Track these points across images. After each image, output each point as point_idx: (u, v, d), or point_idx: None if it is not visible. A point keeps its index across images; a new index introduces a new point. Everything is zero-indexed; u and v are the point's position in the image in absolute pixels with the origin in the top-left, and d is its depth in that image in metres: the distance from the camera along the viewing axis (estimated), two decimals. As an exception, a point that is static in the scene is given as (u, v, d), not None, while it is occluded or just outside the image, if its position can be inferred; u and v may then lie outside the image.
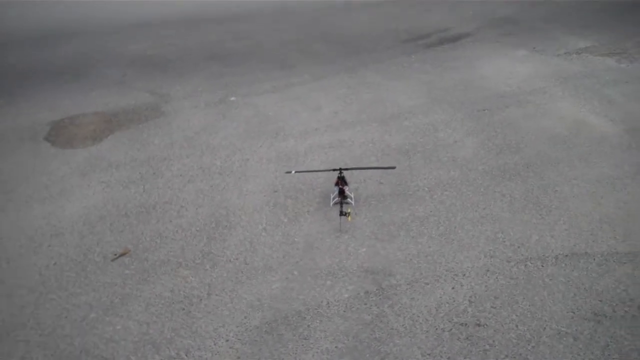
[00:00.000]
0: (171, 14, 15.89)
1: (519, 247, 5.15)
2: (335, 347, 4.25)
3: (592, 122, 7.40)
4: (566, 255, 4.99)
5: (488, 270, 4.89)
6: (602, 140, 6.93)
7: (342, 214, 5.53)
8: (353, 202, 5.88)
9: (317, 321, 4.49)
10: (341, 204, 5.67)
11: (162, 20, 15.27)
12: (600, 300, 4.49)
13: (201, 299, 4.81)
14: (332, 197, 5.96)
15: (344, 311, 4.57)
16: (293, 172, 6.26)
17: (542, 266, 4.89)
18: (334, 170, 5.86)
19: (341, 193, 5.76)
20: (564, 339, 4.16)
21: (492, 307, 4.50)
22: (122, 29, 14.58)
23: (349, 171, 6.14)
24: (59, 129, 8.39)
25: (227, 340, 4.38)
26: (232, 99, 9.21)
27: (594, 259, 4.92)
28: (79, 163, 7.30)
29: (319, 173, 6.39)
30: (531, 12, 13.43)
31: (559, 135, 7.13)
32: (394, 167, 6.28)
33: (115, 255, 5.46)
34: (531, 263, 4.93)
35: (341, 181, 5.78)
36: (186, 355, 4.26)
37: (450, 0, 15.10)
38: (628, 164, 6.38)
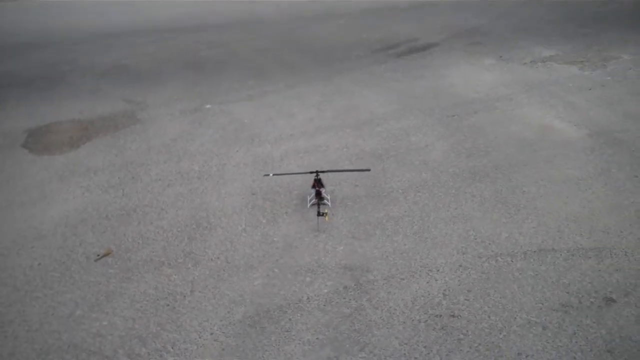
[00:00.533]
0: (145, 24, 16.00)
1: (489, 243, 5.38)
2: (317, 338, 4.42)
3: (557, 127, 7.69)
4: (534, 251, 5.22)
5: (461, 266, 5.10)
6: (567, 144, 7.22)
7: (319, 214, 5.74)
8: (329, 204, 6.06)
9: (298, 314, 4.66)
10: (318, 205, 5.86)
11: (135, 30, 15.40)
12: (567, 292, 4.72)
13: (185, 296, 4.96)
14: (309, 199, 6.15)
15: (324, 305, 4.75)
16: (271, 174, 6.44)
17: (512, 261, 5.12)
18: (311, 172, 6.06)
19: (318, 195, 5.95)
20: (534, 328, 4.38)
21: (465, 299, 4.71)
22: (96, 39, 14.68)
23: (326, 174, 6.32)
24: (35, 136, 8.47)
25: (211, 334, 4.53)
26: (208, 106, 9.37)
27: (561, 254, 5.16)
28: (57, 168, 7.40)
29: (296, 176, 6.57)
30: (498, 23, 13.81)
31: (526, 139, 7.41)
32: (368, 170, 6.48)
33: (98, 255, 5.58)
34: (501, 258, 5.16)
35: (318, 183, 5.97)
36: (172, 348, 4.40)
37: (420, 12, 15.43)
38: (592, 165, 6.66)
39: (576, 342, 4.22)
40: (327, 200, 6.05)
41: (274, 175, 6.46)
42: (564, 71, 9.89)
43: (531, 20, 13.85)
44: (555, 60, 10.49)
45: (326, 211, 5.81)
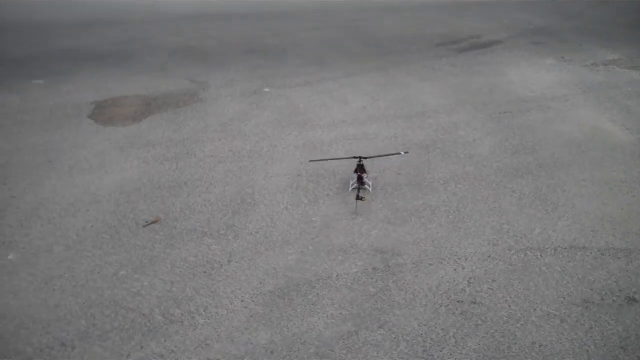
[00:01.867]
0: (213, 9, 16.39)
1: (521, 238, 5.47)
2: (340, 313, 4.62)
3: (608, 130, 7.67)
4: (565, 248, 5.30)
5: (489, 257, 5.22)
6: (616, 147, 7.20)
7: (358, 198, 5.93)
8: (371, 189, 6.24)
9: (326, 290, 4.87)
10: (359, 189, 6.05)
11: (204, 14, 15.82)
12: (591, 289, 4.79)
13: (222, 265, 5.23)
14: (351, 183, 6.34)
15: (352, 284, 4.94)
16: (316, 160, 6.64)
17: (541, 256, 5.20)
18: (354, 158, 6.25)
19: (360, 180, 6.14)
20: (552, 320, 4.48)
21: (489, 288, 4.84)
22: (166, 21, 15.15)
23: (370, 161, 6.51)
24: (101, 109, 8.90)
25: (242, 301, 4.78)
26: (266, 90, 9.65)
27: (591, 253, 5.22)
28: (118, 140, 7.79)
29: (342, 161, 6.76)
30: (565, 24, 13.67)
31: (575, 140, 7.42)
32: (407, 152, 6.64)
33: (147, 222, 5.91)
34: (531, 253, 5.25)
35: (360, 169, 6.17)
36: (204, 312, 4.67)
37: (487, 10, 15.36)
38: (637, 170, 6.66)
39: (592, 336, 4.31)
40: (369, 186, 6.22)
41: (319, 160, 6.65)
42: (625, 76, 9.78)
43: (599, 22, 13.66)
44: (618, 64, 10.38)
45: (365, 196, 5.99)
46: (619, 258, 5.16)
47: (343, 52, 11.89)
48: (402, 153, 6.67)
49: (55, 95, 9.43)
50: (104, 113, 8.73)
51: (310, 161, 6.84)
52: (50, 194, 6.48)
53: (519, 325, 4.45)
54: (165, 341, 4.41)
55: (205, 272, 5.16)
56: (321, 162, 6.91)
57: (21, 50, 12.40)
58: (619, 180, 6.44)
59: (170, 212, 6.11)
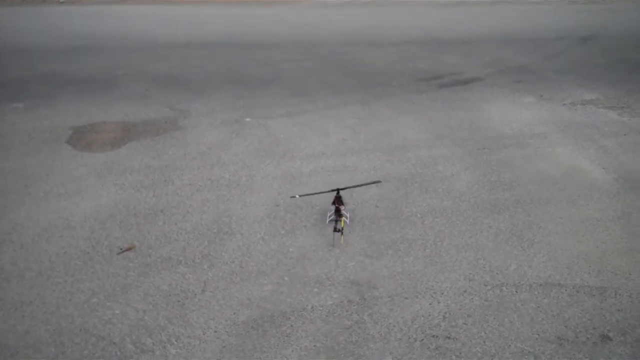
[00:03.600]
0: (199, 37, 16.46)
1: (497, 273, 5.48)
2: (314, 345, 4.59)
3: (585, 169, 7.74)
4: (540, 285, 5.31)
5: (465, 291, 5.22)
6: (592, 185, 7.26)
7: (335, 230, 5.92)
8: (348, 221, 6.23)
9: (300, 322, 4.84)
10: (336, 221, 6.04)
11: (187, 42, 15.88)
12: (565, 326, 4.80)
13: (196, 294, 5.18)
14: (328, 215, 6.33)
15: (326, 316, 4.91)
16: (297, 196, 6.62)
17: (516, 292, 5.21)
18: (333, 190, 6.25)
19: (337, 212, 6.14)
20: (526, 357, 4.47)
21: (463, 323, 4.83)
22: (148, 48, 15.18)
23: (348, 193, 6.52)
24: (80, 134, 8.86)
25: (215, 332, 4.73)
26: (247, 119, 9.66)
27: (566, 290, 5.24)
28: (96, 166, 7.75)
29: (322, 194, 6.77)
30: (545, 63, 13.85)
31: (552, 177, 7.48)
32: (379, 182, 6.67)
33: (121, 249, 5.85)
34: (506, 288, 5.26)
35: (338, 200, 6.16)
36: (176, 341, 4.62)
37: (469, 47, 15.55)
38: (613, 208, 6.71)
39: (565, 374, 4.31)
40: (346, 218, 6.21)
41: (300, 196, 6.63)
42: (603, 115, 9.91)
43: (579, 62, 13.86)
44: (596, 104, 10.52)
45: (342, 227, 5.98)
46: (594, 295, 5.18)
47: (326, 84, 11.95)
48: (375, 182, 6.70)
49: (34, 120, 9.38)
50: (82, 138, 8.69)
51: (291, 197, 6.80)
52: (24, 218, 6.42)
53: (492, 361, 4.44)
54: (135, 371, 4.36)
55: (179, 301, 5.11)
56: (298, 190, 6.90)
57: (1, 74, 12.35)
58: (595, 219, 6.49)
59: (145, 239, 6.07)
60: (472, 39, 16.58)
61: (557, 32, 17.45)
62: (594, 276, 5.46)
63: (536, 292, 5.22)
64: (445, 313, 4.96)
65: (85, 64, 13.35)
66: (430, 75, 12.60)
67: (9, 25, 17.23)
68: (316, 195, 6.67)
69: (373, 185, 7.12)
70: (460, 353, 4.52)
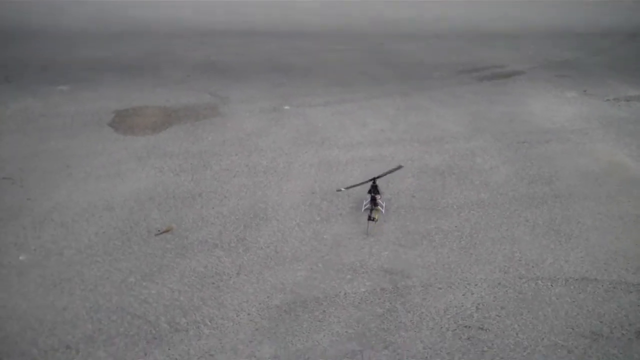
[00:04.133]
0: (237, 25, 16.52)
1: (533, 266, 5.44)
2: (346, 331, 4.61)
3: (626, 165, 7.62)
4: (576, 280, 5.25)
5: (499, 284, 5.19)
6: (633, 182, 7.15)
7: (370, 218, 5.93)
8: (383, 211, 6.22)
9: (333, 308, 4.87)
10: (371, 210, 6.05)
11: (228, 30, 15.93)
12: (600, 322, 4.74)
13: (230, 277, 5.25)
14: (364, 203, 6.33)
15: (359, 303, 4.93)
16: (343, 189, 6.62)
17: (552, 286, 5.17)
18: (370, 180, 6.25)
19: (373, 200, 6.14)
20: (559, 350, 4.44)
21: (497, 315, 4.81)
22: (190, 35, 15.27)
23: (385, 183, 6.51)
24: (122, 117, 9.00)
25: (248, 314, 4.79)
26: (286, 107, 9.70)
27: (602, 285, 5.18)
28: (136, 149, 7.86)
29: (356, 182, 6.76)
30: (591, 59, 13.62)
31: (592, 173, 7.37)
32: (401, 167, 6.65)
33: (159, 231, 5.94)
34: (542, 282, 5.22)
35: (374, 189, 6.17)
36: (210, 322, 4.69)
37: (513, 40, 15.36)
38: (653, 206, 6.60)
39: (599, 369, 4.26)
40: (382, 207, 6.21)
41: (346, 189, 6.60)
42: (646, 112, 9.74)
43: (625, 59, 13.60)
44: (639, 100, 10.32)
45: (377, 216, 5.98)
46: (631, 292, 5.11)
47: (365, 74, 11.92)
48: (399, 167, 6.62)
49: (77, 103, 9.54)
50: (124, 122, 8.82)
51: (337, 190, 6.79)
52: (65, 198, 6.55)
53: (525, 353, 4.41)
54: (169, 349, 4.43)
55: (214, 283, 5.17)
56: (334, 180, 6.92)
57: (47, 57, 12.56)
58: (634, 215, 6.40)
59: (182, 222, 6.15)
60: (516, 33, 16.35)
61: (604, 28, 17.12)
62: (632, 273, 5.38)
63: (572, 287, 5.16)
64: (479, 304, 4.94)
65: (127, 50, 13.50)
66: (471, 68, 12.48)
67: (51, 10, 17.47)
68: (352, 183, 6.67)
69: (410, 176, 7.11)
70: (493, 344, 4.50)
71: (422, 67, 12.62)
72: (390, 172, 6.60)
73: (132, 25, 16.31)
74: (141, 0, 19.13)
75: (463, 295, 5.05)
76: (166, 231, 5.96)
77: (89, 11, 17.79)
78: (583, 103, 10.16)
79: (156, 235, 5.88)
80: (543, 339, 4.55)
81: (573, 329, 4.66)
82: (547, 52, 14.10)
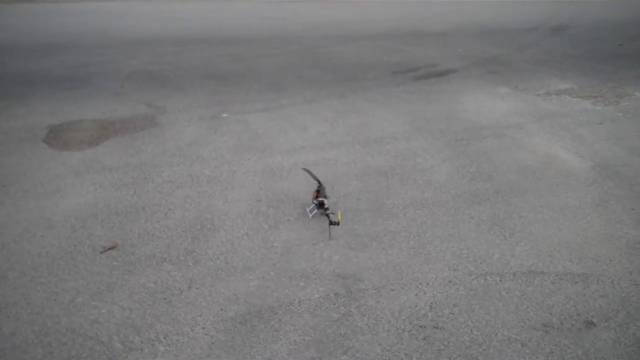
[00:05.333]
0: (173, 33, 16.36)
1: (481, 263, 5.53)
2: (303, 339, 4.60)
3: (562, 157, 7.84)
4: (523, 273, 5.37)
5: (450, 282, 5.26)
6: (570, 174, 7.36)
7: (331, 223, 5.93)
8: (337, 213, 6.23)
9: (288, 316, 4.85)
10: (327, 214, 6.05)
11: (161, 38, 15.76)
12: (550, 314, 4.86)
13: (182, 291, 5.16)
14: (308, 209, 6.34)
15: (314, 309, 4.92)
16: (306, 169, 6.65)
17: (500, 281, 5.27)
18: (317, 181, 6.28)
19: (321, 205, 6.15)
20: (513, 344, 4.52)
21: (450, 313, 4.87)
22: (123, 45, 15.05)
23: (330, 186, 6.52)
24: (56, 133, 8.77)
25: (203, 328, 4.72)
26: (225, 115, 9.63)
27: (549, 278, 5.31)
28: (74, 164, 7.68)
29: (301, 186, 6.77)
30: (518, 54, 13.98)
31: (530, 167, 7.57)
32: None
33: (104, 248, 5.81)
34: (490, 277, 5.32)
35: (319, 193, 6.18)
36: (164, 339, 4.60)
37: (442, 39, 15.64)
38: (591, 196, 6.80)
39: (552, 359, 4.37)
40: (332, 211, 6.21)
41: (304, 169, 6.62)
42: (577, 105, 10.04)
43: (551, 53, 14.02)
44: (569, 93, 10.65)
45: (339, 219, 5.98)
46: (576, 282, 5.25)
47: (301, 78, 11.96)
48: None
49: (9, 119, 9.26)
50: (59, 137, 8.60)
51: (302, 169, 6.81)
52: (5, 218, 6.34)
53: (480, 349, 4.48)
54: (124, 369, 4.34)
55: (165, 299, 5.08)
56: (279, 187, 6.92)
57: (-27, 73, 12.18)
58: (573, 206, 6.58)
59: (127, 237, 6.02)
60: (445, 31, 16.67)
61: (527, 23, 17.62)
62: (576, 263, 5.53)
63: (520, 281, 5.28)
64: (432, 303, 5.00)
65: (59, 62, 13.19)
66: (405, 68, 12.66)
67: (-23, 23, 16.99)
68: (297, 189, 6.70)
69: (354, 178, 7.17)
70: (449, 342, 4.55)
71: (357, 68, 12.74)
72: (316, 177, 6.62)
73: (62, 36, 15.96)
74: (71, 10, 18.69)
75: (416, 295, 5.10)
76: (111, 248, 5.83)
77: (15, 23, 17.29)
78: (516, 98, 10.43)
79: (101, 252, 5.75)
80: (497, 334, 4.63)
81: (525, 322, 4.76)
82: (476, 50, 14.43)
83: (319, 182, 6.26)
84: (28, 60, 13.30)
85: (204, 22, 17.98)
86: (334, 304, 5.00)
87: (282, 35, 16.36)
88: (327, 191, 6.45)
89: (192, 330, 4.71)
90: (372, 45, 14.98)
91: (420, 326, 4.74)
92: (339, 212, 6.18)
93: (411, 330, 4.70)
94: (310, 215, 6.30)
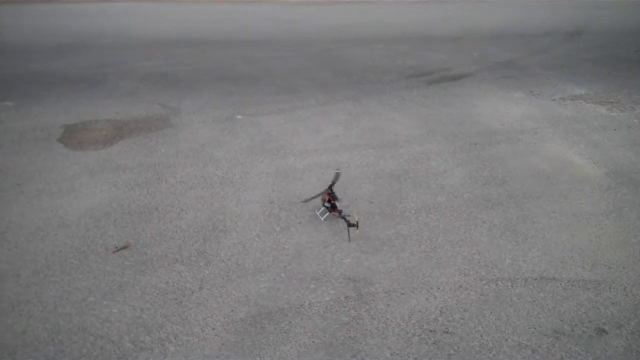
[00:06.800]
0: (185, 35, 16.42)
1: (492, 268, 5.51)
2: (313, 342, 4.60)
3: (576, 163, 7.80)
4: (535, 279, 5.35)
5: (461, 286, 5.25)
6: (584, 180, 7.32)
7: (350, 224, 5.93)
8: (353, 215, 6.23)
9: (298, 318, 4.85)
10: (344, 217, 6.05)
11: (176, 40, 15.85)
12: (561, 320, 4.83)
13: (193, 292, 5.18)
14: (318, 212, 6.35)
15: (324, 312, 4.92)
16: (305, 200, 6.62)
17: (512, 286, 5.25)
18: (330, 187, 6.29)
19: (334, 208, 6.16)
20: (523, 350, 4.50)
21: (460, 318, 4.85)
22: (138, 46, 15.14)
23: (342, 190, 6.50)
24: (71, 132, 8.83)
25: (213, 329, 4.73)
26: (239, 117, 9.66)
27: (561, 284, 5.28)
28: (88, 164, 7.73)
29: (314, 190, 6.74)
30: (533, 59, 13.94)
31: (544, 172, 7.53)
32: (339, 171, 6.64)
33: (117, 248, 5.84)
34: (502, 283, 5.29)
35: (331, 197, 6.19)
36: (174, 339, 4.61)
37: (456, 44, 15.62)
38: (605, 203, 6.76)
39: (563, 366, 4.35)
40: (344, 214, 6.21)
41: (310, 199, 6.59)
42: (592, 110, 9.99)
43: (566, 58, 13.97)
44: (585, 99, 10.60)
45: (357, 220, 5.97)
46: (588, 289, 5.22)
47: (315, 81, 11.97)
48: (336, 171, 6.60)
49: (24, 118, 9.34)
50: (73, 137, 8.66)
51: (302, 202, 6.79)
52: (18, 217, 6.39)
53: (490, 355, 4.46)
54: (134, 369, 4.35)
55: (176, 299, 5.10)
56: (292, 190, 6.92)
57: (-10, 72, 12.29)
58: (587, 213, 6.55)
59: (140, 237, 6.05)
60: (459, 36, 16.66)
61: (543, 28, 17.55)
62: (588, 270, 5.50)
63: (531, 286, 5.25)
64: (442, 308, 4.98)
65: (75, 62, 13.29)
66: (419, 72, 12.65)
67: (-6, 23, 17.14)
68: (311, 192, 6.70)
69: (367, 181, 7.17)
70: (459, 347, 4.54)
71: (370, 72, 12.74)
72: (334, 181, 6.60)
73: (77, 37, 16.07)
74: (85, 11, 18.82)
75: (426, 299, 5.09)
76: (124, 247, 5.86)
77: (32, 24, 17.43)
78: (530, 103, 10.38)
79: (114, 252, 5.78)
80: (507, 339, 4.61)
81: (535, 328, 4.74)
82: (491, 54, 14.39)
83: (331, 185, 6.26)
84: (44, 61, 13.41)
85: (219, 23, 18.04)
86: (344, 307, 5.00)
87: (296, 37, 16.39)
88: (339, 194, 6.44)
89: (202, 331, 4.73)
90: (386, 49, 14.98)
91: (430, 330, 4.73)
92: (356, 214, 6.18)
93: (421, 334, 4.69)
94: (322, 219, 6.30)
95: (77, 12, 18.69)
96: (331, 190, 6.23)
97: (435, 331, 4.72)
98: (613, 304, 5.05)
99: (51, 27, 16.89)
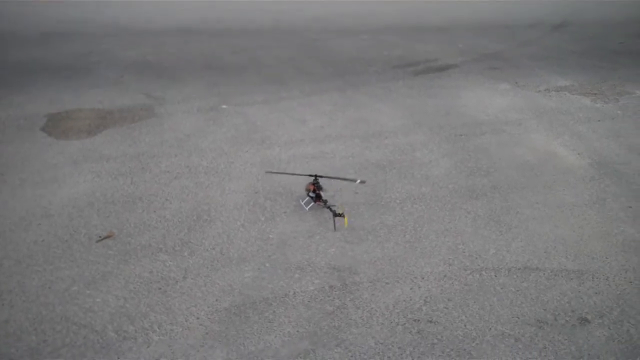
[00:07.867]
0: (174, 24, 16.31)
1: (476, 258, 5.54)
2: (297, 331, 4.61)
3: (560, 154, 7.84)
4: (519, 269, 5.38)
5: (445, 276, 5.27)
6: (568, 171, 7.36)
7: (336, 214, 5.95)
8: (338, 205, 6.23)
9: (283, 308, 4.86)
10: (329, 207, 6.05)
11: (162, 29, 15.73)
12: (544, 309, 4.87)
13: (177, 281, 5.17)
14: (302, 202, 6.35)
15: (309, 301, 4.93)
16: (273, 171, 6.61)
17: (496, 276, 5.28)
18: (310, 175, 6.27)
19: (319, 197, 6.16)
20: (506, 339, 4.54)
21: (444, 307, 4.88)
22: (123, 34, 15.02)
23: (327, 180, 6.49)
24: (55, 121, 8.77)
25: (197, 318, 4.73)
26: (224, 107, 9.62)
27: (544, 274, 5.31)
28: (72, 153, 7.68)
29: (299, 179, 6.72)
30: (519, 50, 13.95)
31: (528, 163, 7.56)
32: (364, 182, 6.62)
33: (100, 237, 5.81)
34: (485, 273, 5.32)
35: (316, 187, 6.18)
36: (158, 328, 4.61)
37: (443, 35, 15.60)
38: (588, 194, 6.80)
39: (545, 356, 4.38)
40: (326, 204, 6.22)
41: (275, 173, 6.64)
42: (576, 102, 10.02)
43: (552, 50, 13.99)
44: (570, 90, 10.63)
45: (342, 211, 5.98)
46: (571, 279, 5.26)
47: (301, 71, 11.94)
48: (358, 181, 6.56)
49: (7, 107, 9.25)
50: (57, 126, 8.60)
51: (266, 172, 6.83)
52: (1, 207, 6.35)
53: (474, 344, 4.49)
54: (118, 358, 4.36)
55: (160, 289, 5.09)
56: (278, 180, 6.89)
57: (-28, 61, 12.16)
58: (571, 204, 6.58)
59: (124, 227, 6.03)
60: (446, 27, 16.63)
61: (529, 19, 17.56)
62: (571, 260, 5.54)
63: (515, 276, 5.28)
64: (426, 297, 5.01)
65: (58, 51, 13.18)
66: (405, 63, 12.63)
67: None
68: (296, 182, 6.68)
69: (352, 172, 7.17)
70: (442, 337, 4.57)
71: (356, 62, 12.71)
72: (350, 180, 6.59)
73: (62, 25, 15.90)
74: (71, 3, 18.67)
75: (410, 289, 5.11)
76: (107, 237, 5.84)
77: (16, 11, 17.25)
78: (515, 94, 10.41)
79: (97, 241, 5.75)
80: (490, 329, 4.65)
81: (519, 317, 4.77)
82: (477, 45, 14.38)
83: (315, 176, 6.25)
84: (28, 49, 13.27)
85: (205, 13, 17.90)
86: (329, 297, 5.01)
87: (283, 27, 16.30)
88: (324, 185, 6.43)
89: (186, 321, 4.72)
90: (372, 40, 14.92)
91: (414, 320, 4.75)
92: (341, 204, 6.18)
93: (405, 323, 4.71)
94: (306, 209, 6.30)
95: (60, 2, 18.49)
96: (316, 180, 6.22)
97: (419, 320, 4.74)
98: (596, 293, 5.09)
99: (33, 16, 16.70)
